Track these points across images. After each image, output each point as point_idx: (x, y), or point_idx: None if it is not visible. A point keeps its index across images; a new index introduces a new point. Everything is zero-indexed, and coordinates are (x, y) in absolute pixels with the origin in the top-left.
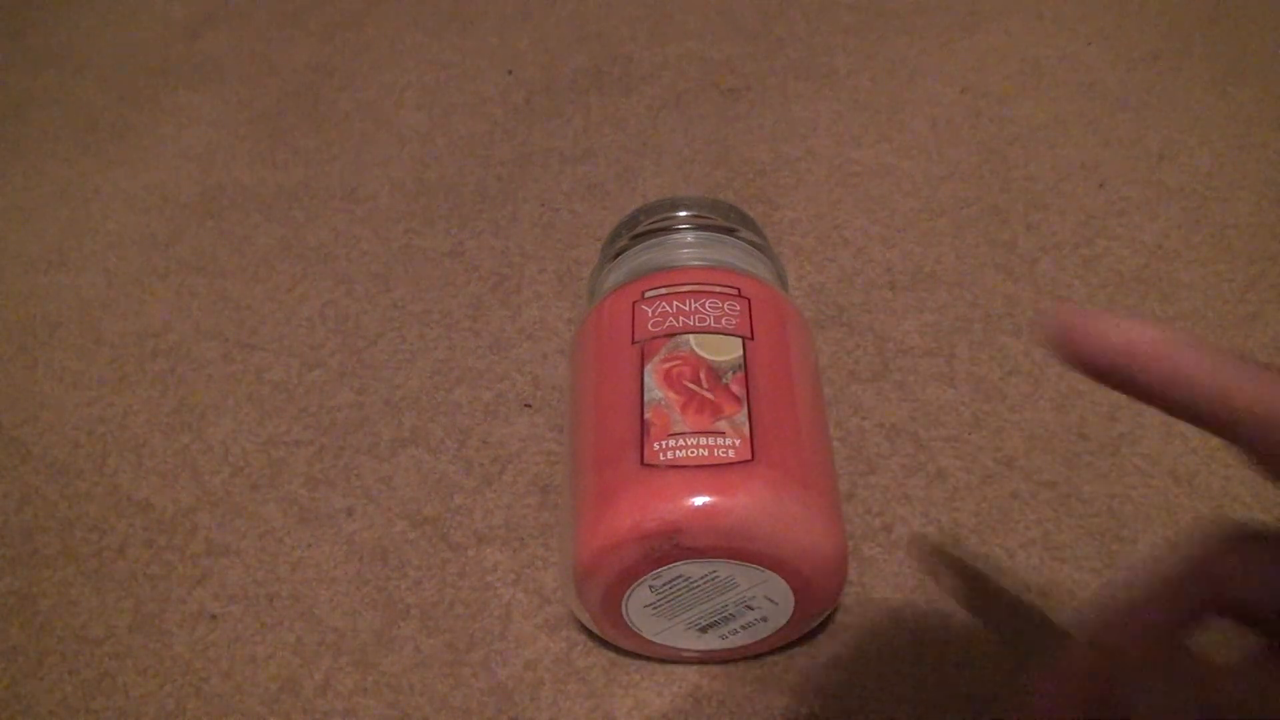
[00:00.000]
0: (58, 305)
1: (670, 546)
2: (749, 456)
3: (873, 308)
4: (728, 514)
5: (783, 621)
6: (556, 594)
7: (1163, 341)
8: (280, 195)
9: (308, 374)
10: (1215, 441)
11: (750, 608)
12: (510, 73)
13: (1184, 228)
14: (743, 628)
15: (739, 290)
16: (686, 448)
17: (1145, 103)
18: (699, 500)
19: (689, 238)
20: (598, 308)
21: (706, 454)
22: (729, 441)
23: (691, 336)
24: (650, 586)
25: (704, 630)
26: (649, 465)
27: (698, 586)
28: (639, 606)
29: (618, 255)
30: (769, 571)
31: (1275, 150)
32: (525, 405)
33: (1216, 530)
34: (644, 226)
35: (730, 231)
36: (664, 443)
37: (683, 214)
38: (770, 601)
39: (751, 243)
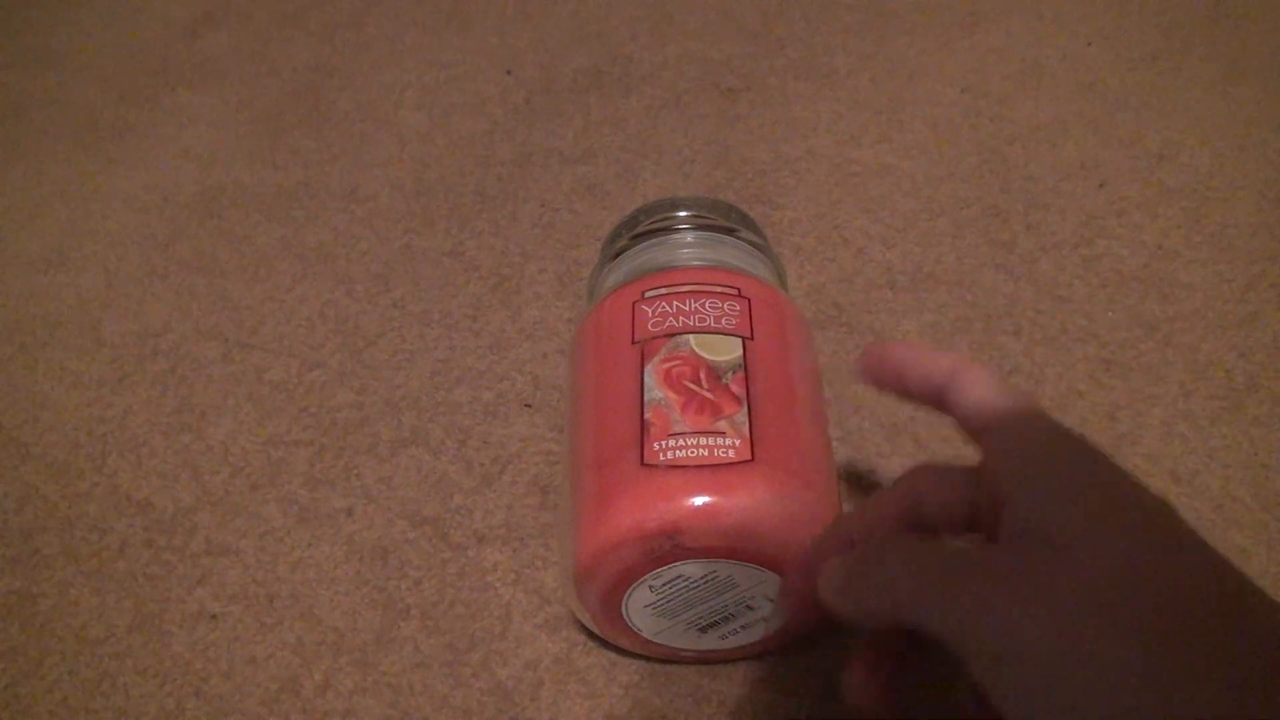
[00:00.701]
0: (58, 305)
1: (670, 546)
2: (749, 456)
3: (873, 308)
4: (727, 514)
5: (782, 622)
6: (556, 594)
7: (901, 351)
8: (280, 195)
9: (308, 374)
10: (1215, 441)
11: (750, 608)
12: (510, 73)
13: (1184, 228)
14: (742, 628)
15: (739, 290)
16: (686, 447)
17: (1145, 103)
18: (699, 500)
19: (689, 238)
20: (598, 308)
21: (706, 454)
22: (729, 441)
23: (691, 336)
24: (650, 586)
25: (704, 630)
26: (649, 465)
27: (698, 586)
28: (639, 606)
29: (617, 255)
30: (769, 571)
31: (1275, 150)
32: (525, 405)
33: (921, 464)
34: (644, 226)
35: (730, 231)
36: (664, 443)
37: (682, 214)
38: (770, 602)
39: (751, 243)
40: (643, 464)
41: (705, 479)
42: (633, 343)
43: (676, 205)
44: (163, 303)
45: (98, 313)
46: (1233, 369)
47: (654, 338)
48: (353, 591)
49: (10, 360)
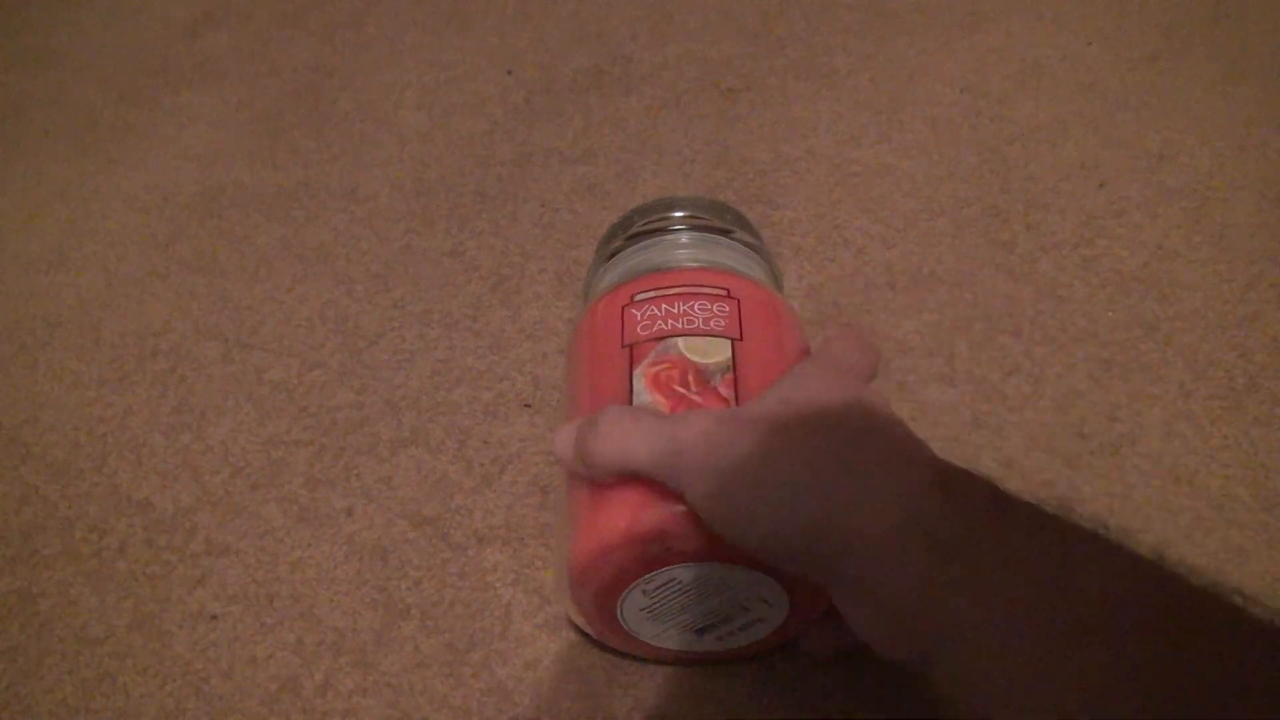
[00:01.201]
0: (58, 305)
1: (661, 550)
2: None
3: (873, 308)
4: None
5: (779, 622)
6: (556, 594)
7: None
8: (280, 195)
9: (308, 374)
10: (1215, 441)
11: (746, 609)
12: (510, 73)
13: (1184, 228)
14: (739, 629)
15: (728, 291)
16: None
17: (1145, 103)
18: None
19: (682, 239)
20: (590, 310)
21: None
22: None
23: (679, 339)
24: (644, 590)
25: (701, 632)
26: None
27: (691, 589)
28: (634, 610)
29: (612, 256)
30: (761, 574)
31: (1275, 150)
32: (525, 405)
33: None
34: (638, 227)
35: (725, 232)
36: None
37: (677, 214)
38: (765, 603)
39: (746, 243)
40: None
41: None
42: (622, 346)
43: (671, 206)
44: (163, 303)
45: (98, 313)
46: (1233, 369)
47: (643, 341)
48: (353, 591)
49: (10, 360)
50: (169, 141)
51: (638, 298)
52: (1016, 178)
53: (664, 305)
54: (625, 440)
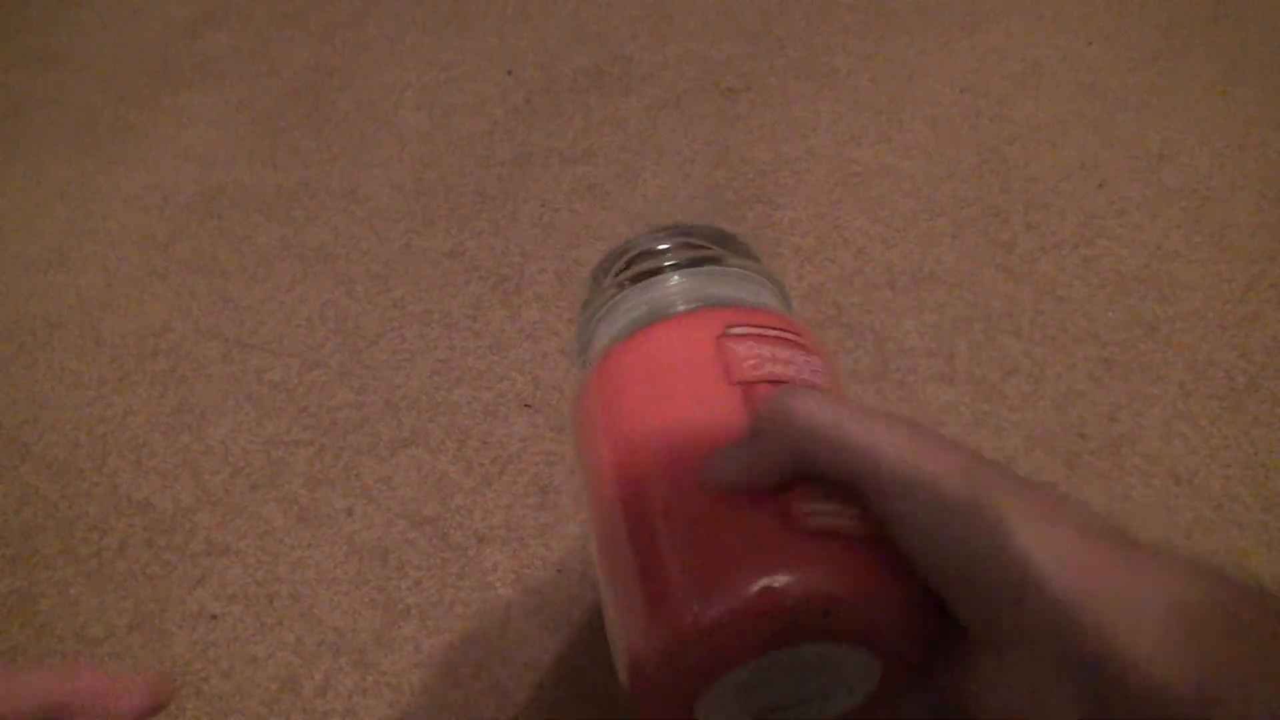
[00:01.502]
0: (58, 305)
1: (811, 625)
2: (876, 532)
3: (873, 308)
4: (883, 595)
5: (847, 706)
6: (556, 594)
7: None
8: (280, 195)
9: (308, 374)
10: (1215, 441)
11: (825, 695)
12: (510, 73)
13: (1184, 228)
14: (802, 713)
15: (811, 344)
16: (835, 514)
17: (1145, 103)
18: (858, 575)
19: (745, 275)
20: (661, 329)
21: (855, 525)
22: (863, 513)
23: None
24: (753, 667)
25: (761, 714)
26: (792, 527)
27: (796, 671)
28: (715, 697)
29: (650, 275)
30: (874, 659)
31: (1275, 150)
32: (525, 405)
33: None
34: (697, 253)
35: (720, 261)
36: (812, 505)
37: (733, 246)
38: (848, 689)
39: (777, 281)
40: (784, 525)
41: (861, 553)
42: (731, 383)
43: (720, 236)
44: (163, 303)
45: (98, 313)
46: (1233, 369)
47: (756, 381)
48: (353, 591)
49: (10, 360)
50: (169, 141)
51: (732, 331)
52: (1016, 178)
53: (767, 346)
54: (837, 408)
